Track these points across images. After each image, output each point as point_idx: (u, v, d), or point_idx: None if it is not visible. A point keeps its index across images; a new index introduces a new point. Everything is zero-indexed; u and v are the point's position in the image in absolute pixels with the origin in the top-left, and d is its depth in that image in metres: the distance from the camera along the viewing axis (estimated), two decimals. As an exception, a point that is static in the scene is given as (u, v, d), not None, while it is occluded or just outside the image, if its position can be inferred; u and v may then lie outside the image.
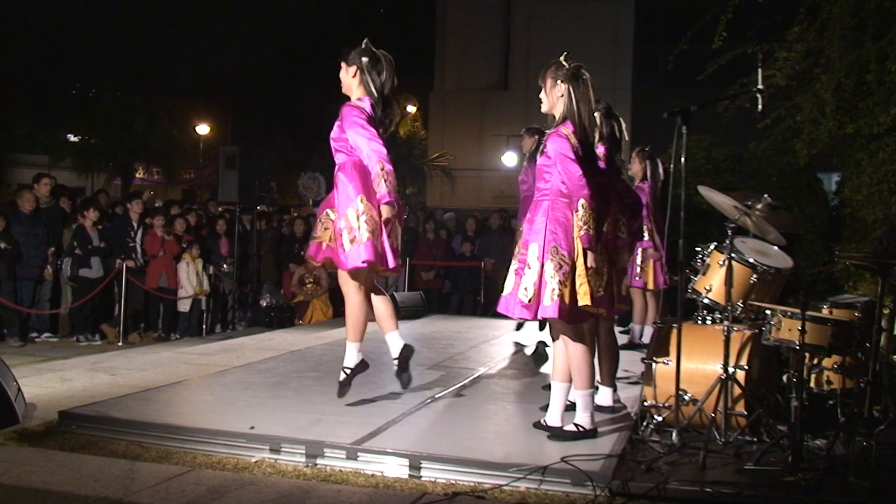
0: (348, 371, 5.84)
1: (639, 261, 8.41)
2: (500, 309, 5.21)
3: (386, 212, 5.51)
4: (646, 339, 8.73)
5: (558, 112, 5.12)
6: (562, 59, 5.13)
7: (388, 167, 5.46)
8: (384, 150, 5.50)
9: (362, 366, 5.90)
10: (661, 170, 8.54)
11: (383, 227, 5.56)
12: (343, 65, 5.81)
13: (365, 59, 5.71)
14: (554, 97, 5.13)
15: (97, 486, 4.35)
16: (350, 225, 5.53)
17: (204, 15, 41.11)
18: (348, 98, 5.79)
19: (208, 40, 39.34)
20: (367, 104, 5.67)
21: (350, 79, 5.78)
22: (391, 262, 5.63)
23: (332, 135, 5.74)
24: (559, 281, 4.92)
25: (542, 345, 8.58)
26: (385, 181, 5.44)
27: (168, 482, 4.42)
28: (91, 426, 5.38)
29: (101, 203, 12.15)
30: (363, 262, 5.49)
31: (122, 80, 32.48)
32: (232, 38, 40.26)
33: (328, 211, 5.72)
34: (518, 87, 26.85)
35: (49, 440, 5.21)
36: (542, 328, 9.09)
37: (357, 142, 5.54)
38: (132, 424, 5.33)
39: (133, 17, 38.98)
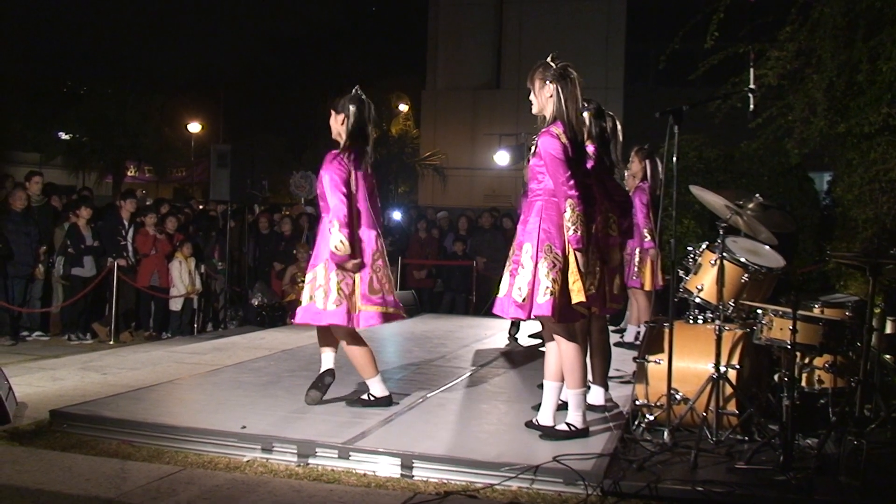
0: (373, 398, 5.92)
1: (636, 261, 8.39)
2: (496, 310, 5.23)
3: (348, 267, 5.65)
4: (629, 338, 8.80)
5: (548, 112, 5.14)
6: (549, 59, 5.15)
7: (345, 230, 5.57)
8: (345, 212, 5.60)
9: (386, 400, 5.95)
10: (660, 169, 8.51)
11: (357, 280, 5.71)
12: (332, 112, 5.91)
13: (352, 108, 5.83)
14: (543, 98, 5.15)
15: (88, 485, 4.34)
16: (320, 283, 5.72)
17: (196, 12, 40.97)
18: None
19: (200, 38, 39.18)
20: (348, 156, 5.76)
21: (339, 126, 5.88)
22: (360, 322, 5.73)
23: (318, 185, 5.85)
24: (552, 279, 4.93)
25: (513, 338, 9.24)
26: (334, 239, 5.58)
27: (159, 482, 4.42)
28: (82, 425, 5.38)
29: (93, 201, 12.11)
30: (335, 324, 5.72)
31: (113, 77, 32.34)
32: (224, 36, 40.13)
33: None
34: (510, 87, 26.80)
35: (40, 439, 5.20)
36: (513, 331, 9.24)
37: (328, 196, 5.67)
38: (123, 424, 5.33)
39: (125, 15, 38.83)
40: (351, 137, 5.80)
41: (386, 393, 5.95)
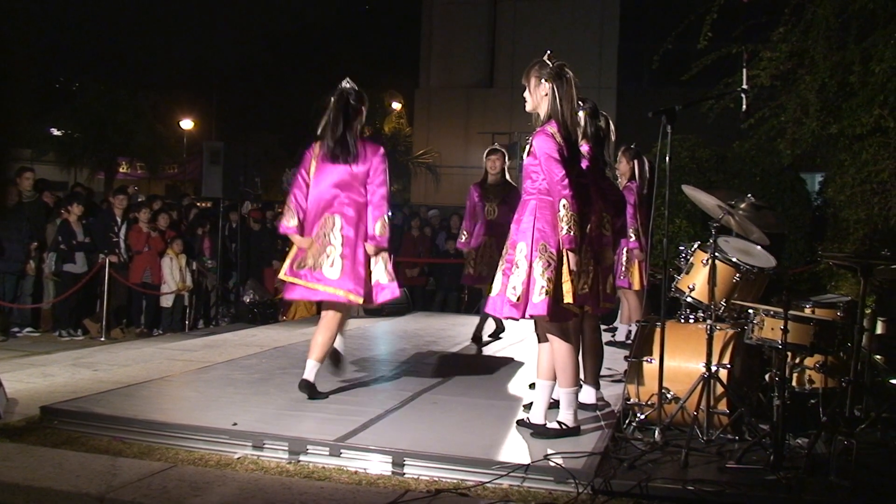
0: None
1: (624, 260, 8.42)
2: (489, 310, 5.24)
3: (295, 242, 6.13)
4: (620, 337, 8.82)
5: (542, 111, 5.14)
6: (545, 57, 5.15)
7: (289, 205, 6.13)
8: (292, 191, 6.11)
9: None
10: (647, 168, 8.54)
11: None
12: None
13: (331, 100, 6.10)
14: (538, 96, 5.15)
15: (79, 481, 4.33)
16: None
17: (189, 9, 40.90)
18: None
19: (193, 34, 39.13)
20: (313, 145, 6.15)
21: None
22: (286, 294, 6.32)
23: None
24: (548, 278, 4.93)
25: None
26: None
27: (150, 478, 4.41)
28: (73, 422, 5.36)
29: (85, 197, 12.09)
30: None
31: (106, 73, 32.28)
32: (217, 32, 40.07)
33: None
34: (503, 85, 26.83)
35: (30, 435, 5.18)
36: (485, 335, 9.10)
37: None
38: (114, 420, 5.31)
39: (118, 10, 38.74)
40: (323, 127, 6.07)
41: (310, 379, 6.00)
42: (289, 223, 6.06)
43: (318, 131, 6.06)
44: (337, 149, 5.98)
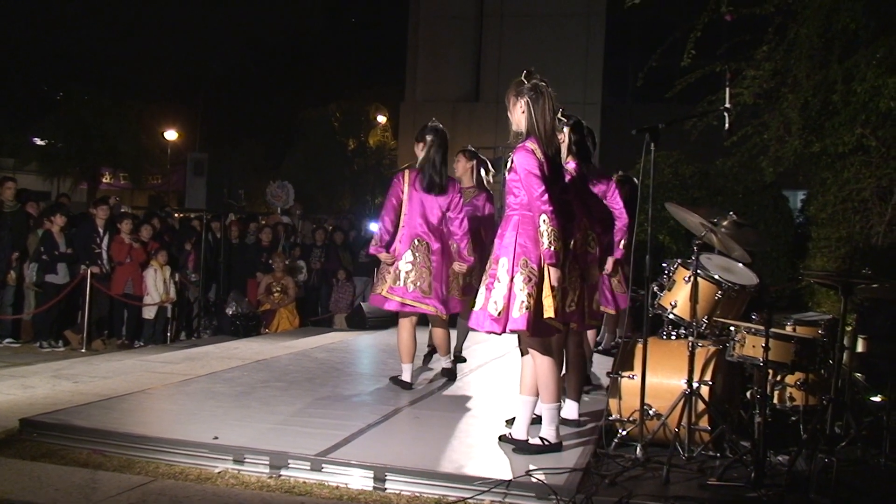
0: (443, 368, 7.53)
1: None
2: (471, 324, 5.25)
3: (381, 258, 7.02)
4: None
5: (523, 128, 5.17)
6: (522, 76, 5.17)
7: (377, 229, 7.02)
8: (381, 215, 7.01)
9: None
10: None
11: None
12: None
13: (429, 137, 6.98)
14: (517, 114, 5.18)
15: (58, 495, 4.30)
16: None
17: (175, 19, 40.86)
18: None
19: (179, 44, 39.06)
20: (405, 175, 7.02)
21: (419, 153, 7.02)
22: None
23: None
24: (528, 293, 4.94)
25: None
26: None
27: (130, 492, 4.38)
28: (53, 434, 5.32)
29: (68, 208, 12.04)
30: None
31: (90, 83, 32.14)
32: (203, 43, 40.00)
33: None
34: (489, 99, 26.86)
35: (9, 448, 5.14)
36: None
37: None
38: (94, 433, 5.28)
39: (103, 19, 38.63)
40: (422, 161, 6.93)
41: (448, 366, 7.45)
42: (377, 244, 6.88)
43: (418, 164, 6.94)
44: (432, 182, 6.86)
